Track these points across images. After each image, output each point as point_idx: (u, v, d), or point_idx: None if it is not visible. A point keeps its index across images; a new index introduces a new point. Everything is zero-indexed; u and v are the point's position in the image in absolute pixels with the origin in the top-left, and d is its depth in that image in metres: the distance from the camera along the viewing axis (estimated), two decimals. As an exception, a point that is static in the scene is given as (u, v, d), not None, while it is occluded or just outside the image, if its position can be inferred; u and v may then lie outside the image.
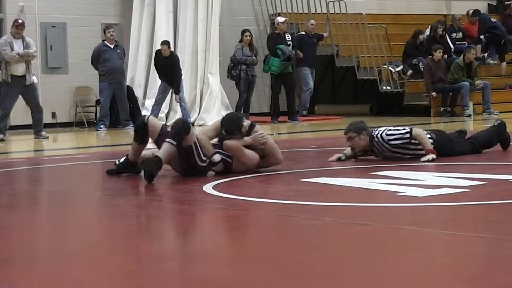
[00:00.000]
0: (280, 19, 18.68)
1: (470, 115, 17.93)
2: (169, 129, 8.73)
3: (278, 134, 15.45)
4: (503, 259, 4.54)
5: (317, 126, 17.44)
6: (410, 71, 18.90)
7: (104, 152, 12.48)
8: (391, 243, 5.27)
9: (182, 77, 17.75)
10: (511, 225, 5.62)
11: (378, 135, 9.35)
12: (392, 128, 9.61)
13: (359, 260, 4.77)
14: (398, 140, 9.43)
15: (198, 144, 8.24)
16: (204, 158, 8.25)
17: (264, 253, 5.16)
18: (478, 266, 4.56)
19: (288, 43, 18.33)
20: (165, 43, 17.58)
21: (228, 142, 8.32)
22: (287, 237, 5.66)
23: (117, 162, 8.63)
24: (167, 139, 8.08)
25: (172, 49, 18.08)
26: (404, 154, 9.47)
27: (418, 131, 9.49)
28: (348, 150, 9.52)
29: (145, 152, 8.56)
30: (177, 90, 17.28)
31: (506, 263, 4.43)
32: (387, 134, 9.35)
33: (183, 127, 8.23)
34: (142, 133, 8.49)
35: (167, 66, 17.37)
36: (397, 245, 5.25)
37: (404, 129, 9.50)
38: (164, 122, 9.53)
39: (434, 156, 9.13)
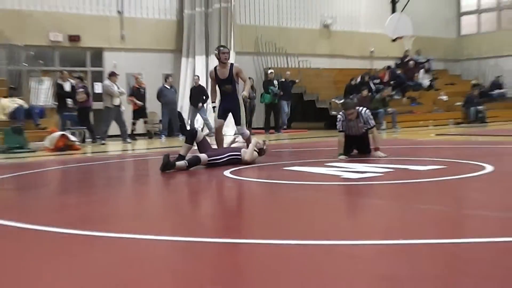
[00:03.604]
0: (269, 71, 19.00)
1: (384, 129, 18.14)
2: (207, 140, 8.72)
3: (270, 140, 14.45)
4: (408, 218, 4.55)
5: (293, 136, 17.18)
6: (348, 102, 18.90)
7: (164, 151, 11.45)
8: (336, 206, 5.35)
9: (208, 100, 17.38)
10: (410, 196, 5.57)
11: (362, 111, 9.06)
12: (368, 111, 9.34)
13: (317, 215, 4.84)
14: (370, 120, 9.15)
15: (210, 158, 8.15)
16: (215, 158, 8.20)
17: (254, 211, 5.30)
18: (390, 220, 4.54)
19: (275, 85, 18.81)
20: (197, 76, 18.03)
21: (247, 158, 8.37)
22: (272, 203, 5.61)
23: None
24: (187, 160, 8.01)
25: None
26: (363, 129, 9.12)
27: (375, 131, 9.37)
28: (342, 158, 8.93)
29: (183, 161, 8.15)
30: (207, 100, 17.36)
31: (408, 220, 4.44)
32: (367, 113, 9.10)
33: (196, 163, 8.06)
34: (192, 138, 8.44)
35: (197, 91, 17.55)
36: (339, 206, 5.32)
37: (372, 120, 9.27)
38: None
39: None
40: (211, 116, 18.30)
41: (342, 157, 8.89)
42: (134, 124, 17.18)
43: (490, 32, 26.25)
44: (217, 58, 9.21)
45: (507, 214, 4.45)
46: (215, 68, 9.34)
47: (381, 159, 8.68)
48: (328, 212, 4.95)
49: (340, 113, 9.28)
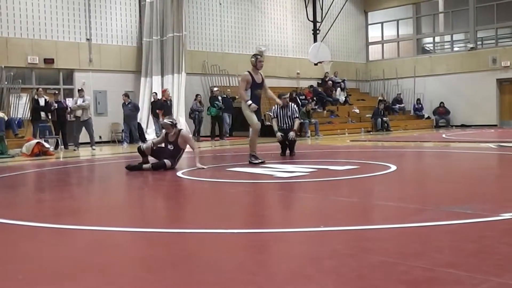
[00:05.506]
0: (215, 88, 18.79)
1: (309, 137, 18.62)
2: (159, 144, 8.36)
3: (215, 146, 14.98)
4: (327, 206, 4.66)
5: (234, 142, 16.80)
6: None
7: (125, 155, 12.09)
8: (270, 199, 5.39)
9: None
10: (330, 191, 5.64)
11: (292, 105, 10.25)
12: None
13: (253, 207, 4.90)
14: (296, 113, 10.24)
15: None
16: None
17: (201, 204, 5.23)
18: (314, 210, 4.46)
19: (219, 101, 18.43)
20: (155, 92, 17.47)
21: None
22: (216, 198, 5.57)
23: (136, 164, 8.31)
24: (152, 165, 7.96)
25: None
26: (291, 119, 10.12)
27: (298, 121, 10.24)
28: (278, 134, 10.01)
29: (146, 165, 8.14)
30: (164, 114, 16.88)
31: (328, 207, 4.56)
32: (295, 108, 10.26)
33: (161, 167, 7.97)
34: (143, 154, 8.33)
35: (156, 104, 17.40)
36: (273, 200, 5.34)
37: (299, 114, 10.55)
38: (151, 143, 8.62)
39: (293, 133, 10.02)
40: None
41: (279, 134, 10.01)
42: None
43: (392, 59, 26.98)
44: (253, 65, 8.40)
45: (404, 204, 4.52)
46: (250, 73, 8.44)
47: (307, 161, 8.74)
48: (263, 205, 4.90)
49: (274, 106, 10.30)
